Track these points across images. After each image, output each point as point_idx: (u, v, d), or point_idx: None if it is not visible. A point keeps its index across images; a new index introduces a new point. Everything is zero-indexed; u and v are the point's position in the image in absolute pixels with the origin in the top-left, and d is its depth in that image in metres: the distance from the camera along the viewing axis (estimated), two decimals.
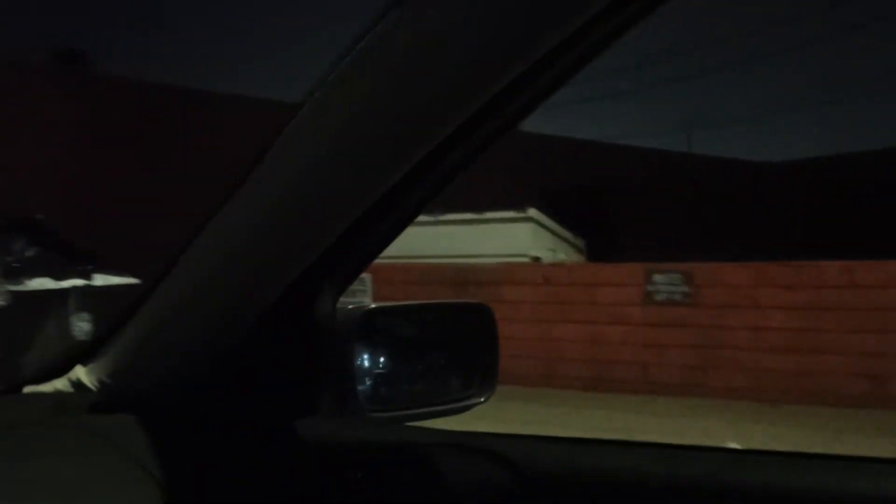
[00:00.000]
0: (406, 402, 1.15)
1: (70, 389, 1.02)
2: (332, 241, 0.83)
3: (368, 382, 1.12)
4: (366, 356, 1.12)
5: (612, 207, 15.93)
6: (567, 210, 10.63)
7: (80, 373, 1.01)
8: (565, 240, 10.03)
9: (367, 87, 0.72)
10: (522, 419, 7.20)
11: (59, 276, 5.16)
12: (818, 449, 3.91)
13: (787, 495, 0.82)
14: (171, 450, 0.91)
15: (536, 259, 9.36)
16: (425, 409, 1.15)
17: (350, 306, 1.06)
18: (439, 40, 0.67)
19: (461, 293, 9.28)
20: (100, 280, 5.34)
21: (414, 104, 0.71)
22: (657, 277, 8.34)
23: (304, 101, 0.76)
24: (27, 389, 1.06)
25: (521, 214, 9.34)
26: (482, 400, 1.18)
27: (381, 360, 1.15)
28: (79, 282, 5.25)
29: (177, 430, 0.94)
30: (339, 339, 1.02)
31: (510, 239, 9.38)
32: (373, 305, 1.10)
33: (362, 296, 9.87)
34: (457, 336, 1.24)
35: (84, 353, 1.01)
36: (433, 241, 9.86)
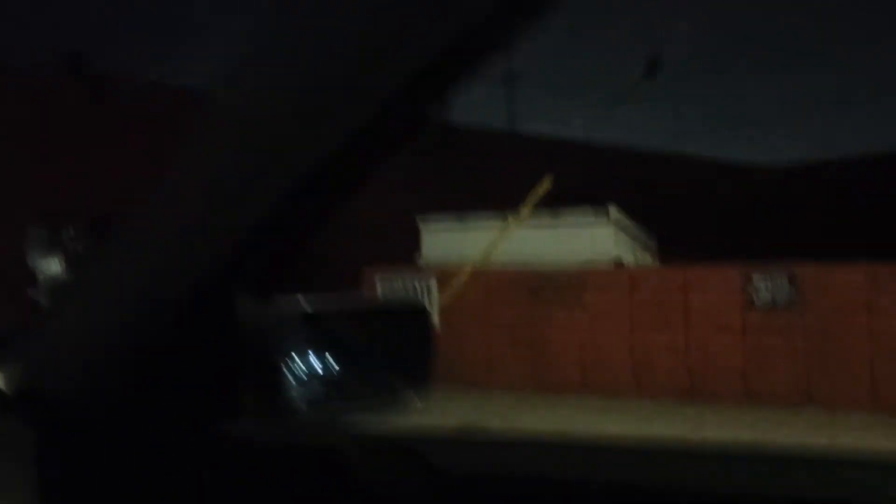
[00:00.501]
0: (339, 402, 1.15)
1: None
2: (249, 243, 0.81)
3: (301, 383, 1.11)
4: (299, 357, 1.10)
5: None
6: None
7: None
8: (640, 241, 9.39)
9: (270, 78, 0.74)
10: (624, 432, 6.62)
11: None
12: None
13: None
14: (74, 453, 0.89)
15: (619, 262, 8.75)
16: (356, 411, 1.15)
17: (283, 307, 1.04)
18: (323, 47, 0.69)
19: (539, 300, 8.73)
20: None
21: (315, 94, 0.71)
22: (759, 280, 7.67)
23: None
24: None
25: (602, 215, 8.74)
26: (418, 400, 1.17)
27: (315, 360, 1.13)
28: None
29: (85, 434, 0.91)
30: (270, 341, 1.02)
31: (590, 241, 8.78)
32: (305, 307, 1.08)
33: (427, 302, 9.40)
34: (392, 336, 1.22)
35: None
36: (509, 245, 9.33)
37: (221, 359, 0.95)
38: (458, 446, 1.05)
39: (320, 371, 1.14)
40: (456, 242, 9.70)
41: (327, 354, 1.15)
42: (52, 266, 4.78)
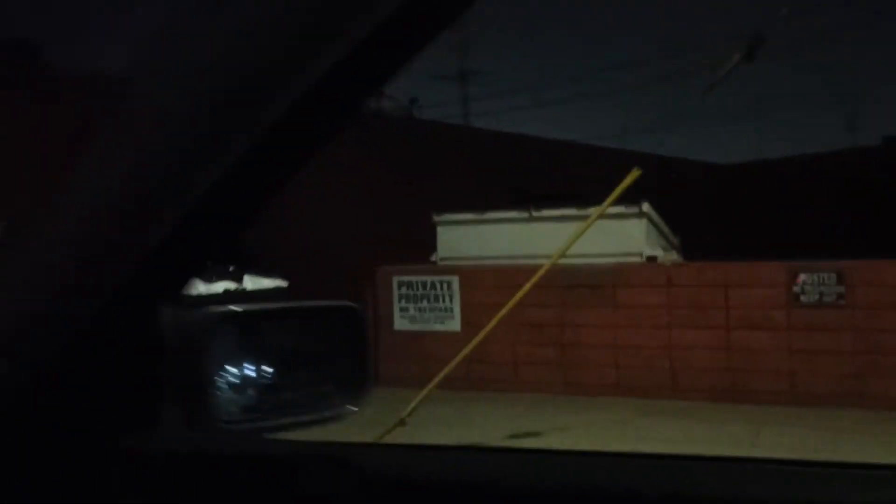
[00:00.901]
0: (268, 411, 1.08)
1: None
2: (163, 242, 0.77)
3: (226, 391, 1.05)
4: (224, 363, 1.05)
5: None
6: None
7: None
8: (667, 237, 9.09)
9: (181, 76, 0.73)
10: (684, 437, 6.28)
11: (209, 277, 4.22)
12: None
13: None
14: None
15: (652, 258, 8.42)
16: (289, 420, 1.08)
17: (207, 309, 0.99)
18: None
19: (571, 298, 8.36)
20: (249, 283, 4.40)
21: (228, 92, 0.71)
22: (805, 277, 7.42)
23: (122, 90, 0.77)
24: None
25: (634, 209, 8.39)
26: (353, 407, 1.11)
27: (242, 366, 1.08)
28: (230, 285, 4.31)
29: None
30: (190, 346, 0.95)
31: (622, 236, 8.43)
32: (232, 308, 1.02)
33: (448, 302, 8.97)
34: (325, 339, 1.18)
35: None
36: (531, 241, 8.94)
37: (135, 365, 0.90)
38: (392, 453, 1.02)
39: (250, 376, 1.08)
40: (474, 238, 9.28)
41: (257, 358, 1.09)
42: None
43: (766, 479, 0.85)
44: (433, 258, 9.49)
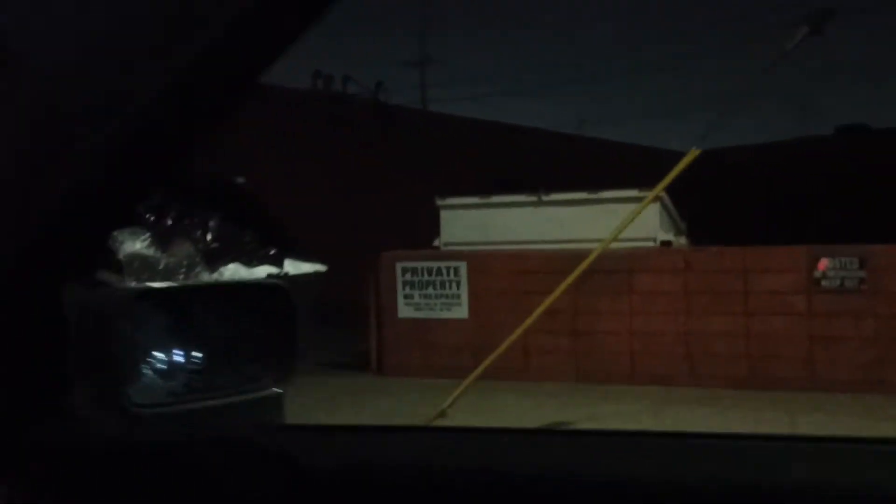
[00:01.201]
0: (187, 394, 1.04)
1: None
2: (57, 219, 0.76)
3: (147, 373, 1.02)
4: (138, 345, 1.01)
5: None
6: None
7: None
8: (676, 222, 8.95)
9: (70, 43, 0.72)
10: (723, 425, 6.11)
11: (250, 261, 3.88)
12: None
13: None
14: None
15: (666, 243, 8.26)
16: (210, 402, 1.04)
17: (120, 288, 1.02)
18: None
19: (584, 284, 8.14)
20: (290, 267, 4.07)
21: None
22: (828, 262, 7.31)
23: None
24: None
25: (647, 193, 8.20)
26: (277, 389, 1.10)
27: (158, 348, 1.04)
28: (271, 269, 3.98)
29: None
30: (101, 327, 0.90)
31: (636, 221, 8.23)
32: (149, 286, 1.08)
33: (455, 288, 8.70)
34: (248, 320, 1.13)
35: None
36: (541, 225, 8.71)
37: (38, 351, 0.84)
38: (324, 440, 0.99)
39: (174, 358, 1.04)
40: (479, 223, 9.02)
41: (180, 338, 1.05)
42: (130, 243, 3.86)
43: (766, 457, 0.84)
44: (436, 243, 9.21)
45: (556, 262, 8.24)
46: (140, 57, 0.69)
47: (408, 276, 8.79)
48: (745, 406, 6.75)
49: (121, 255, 3.85)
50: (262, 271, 3.93)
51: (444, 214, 9.19)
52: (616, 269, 8.02)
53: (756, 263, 7.58)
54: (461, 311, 8.61)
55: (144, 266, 3.74)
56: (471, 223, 9.02)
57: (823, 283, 7.34)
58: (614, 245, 8.24)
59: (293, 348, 1.10)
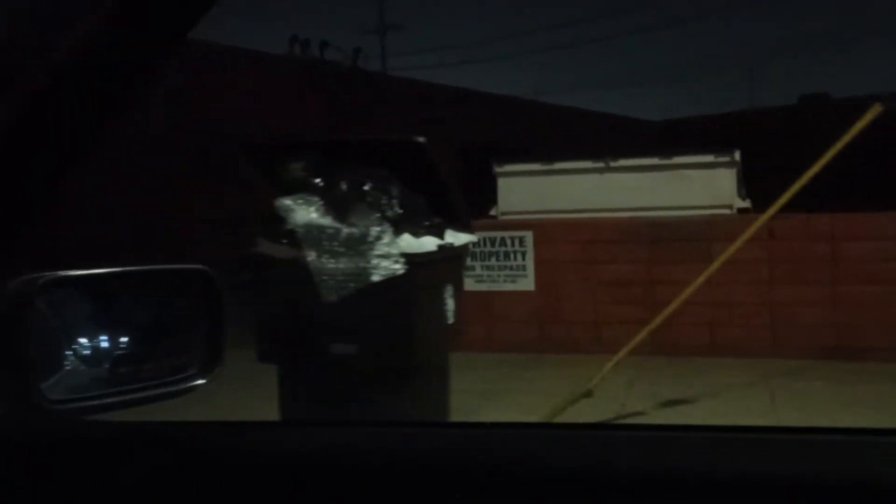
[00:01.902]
0: (107, 388, 1.00)
1: None
2: None
3: (63, 366, 0.99)
4: (56, 335, 0.98)
5: None
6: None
7: None
8: (742, 187, 8.67)
9: None
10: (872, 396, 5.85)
11: (416, 232, 3.45)
12: None
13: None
14: None
15: (743, 211, 7.98)
16: (131, 396, 0.99)
17: (28, 276, 0.91)
18: None
19: (658, 253, 7.84)
20: (451, 237, 3.65)
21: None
22: None
23: None
24: None
25: (725, 158, 7.91)
26: (204, 381, 1.05)
27: (75, 340, 1.00)
28: (437, 240, 3.56)
29: None
30: (5, 318, 0.87)
31: (709, 187, 7.95)
32: (61, 274, 0.94)
33: (521, 259, 8.33)
34: (173, 307, 1.10)
35: None
36: (608, 193, 8.36)
37: None
38: (231, 433, 0.95)
39: (82, 352, 0.98)
40: (541, 191, 8.63)
41: (99, 329, 0.99)
42: (302, 211, 3.39)
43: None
44: (493, 212, 8.80)
45: (630, 231, 7.92)
46: (50, 20, 0.67)
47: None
48: (859, 382, 6.50)
49: (290, 226, 3.39)
50: (430, 242, 3.51)
51: (501, 182, 8.78)
52: (695, 237, 7.72)
53: (845, 231, 7.33)
54: (528, 283, 8.24)
55: (322, 237, 3.29)
56: (531, 191, 8.63)
57: None
58: (690, 213, 7.97)
59: (221, 338, 1.04)
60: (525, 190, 8.67)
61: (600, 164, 8.46)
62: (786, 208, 7.94)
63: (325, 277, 3.18)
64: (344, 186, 3.36)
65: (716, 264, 5.95)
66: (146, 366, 1.04)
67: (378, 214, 3.26)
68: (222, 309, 1.07)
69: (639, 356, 7.79)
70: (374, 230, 3.20)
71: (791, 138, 17.56)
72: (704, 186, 7.88)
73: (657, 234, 7.78)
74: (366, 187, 3.33)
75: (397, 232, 3.28)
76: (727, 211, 7.97)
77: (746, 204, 8.07)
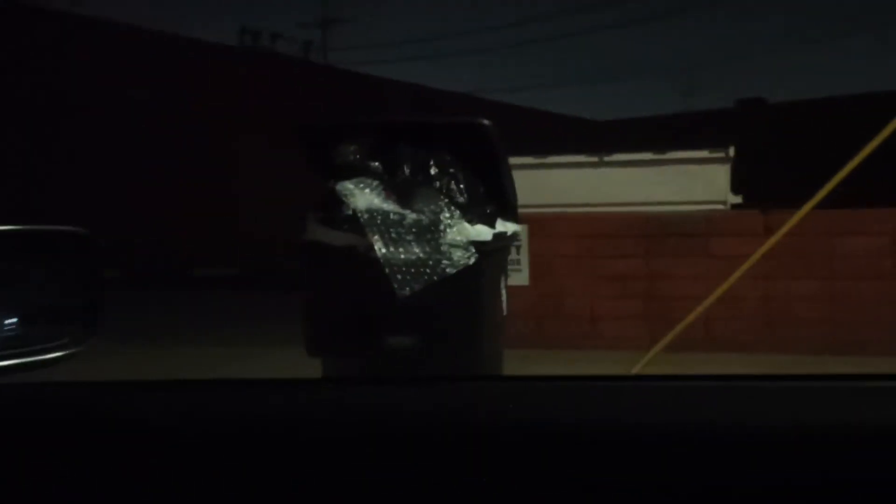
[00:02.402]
0: None
1: None
2: None
3: None
4: None
5: None
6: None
7: None
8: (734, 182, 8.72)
9: None
10: None
11: (471, 220, 3.28)
12: None
13: None
14: None
15: (738, 206, 8.01)
16: (11, 361, 0.97)
17: None
18: None
19: (656, 248, 7.82)
20: (501, 226, 3.51)
21: None
22: None
23: None
24: None
25: (720, 153, 7.93)
26: (77, 348, 1.02)
27: None
28: (491, 229, 3.40)
29: None
30: None
31: (704, 182, 7.96)
32: None
33: (515, 253, 8.21)
34: (45, 272, 1.05)
35: None
36: (603, 187, 8.31)
37: None
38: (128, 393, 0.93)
39: None
40: (534, 184, 8.52)
41: None
42: (361, 195, 3.21)
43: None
44: None
45: (627, 226, 7.88)
46: None
47: None
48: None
49: (350, 211, 3.19)
50: (485, 231, 3.36)
51: None
52: (691, 232, 7.73)
53: (840, 226, 7.41)
54: (522, 278, 8.13)
55: (386, 223, 3.11)
56: (524, 184, 8.49)
57: None
58: (684, 208, 7.97)
59: (98, 304, 1.01)
60: (518, 183, 8.55)
61: (594, 159, 8.41)
62: (784, 204, 8.00)
63: (389, 266, 3.00)
64: (407, 170, 3.18)
65: (753, 258, 5.92)
66: (16, 332, 0.99)
67: (447, 200, 3.09)
68: (100, 274, 1.02)
69: (637, 352, 7.79)
70: (445, 217, 3.04)
71: (729, 140, 18.12)
72: (699, 182, 7.90)
73: (654, 229, 7.76)
74: (432, 171, 3.16)
75: (467, 219, 3.12)
76: (721, 206, 8.00)
77: (739, 199, 8.11)
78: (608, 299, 7.95)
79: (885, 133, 5.14)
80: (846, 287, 7.40)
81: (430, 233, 3.07)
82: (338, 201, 3.18)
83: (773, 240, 5.93)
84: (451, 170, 3.20)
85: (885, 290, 7.30)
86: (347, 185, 3.15)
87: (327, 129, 3.53)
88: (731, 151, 8.01)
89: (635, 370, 5.32)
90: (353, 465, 0.83)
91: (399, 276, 2.99)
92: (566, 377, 1.04)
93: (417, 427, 0.85)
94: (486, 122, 3.32)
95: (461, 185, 3.21)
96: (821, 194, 5.67)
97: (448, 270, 3.02)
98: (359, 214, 3.11)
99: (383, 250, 3.02)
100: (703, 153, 7.96)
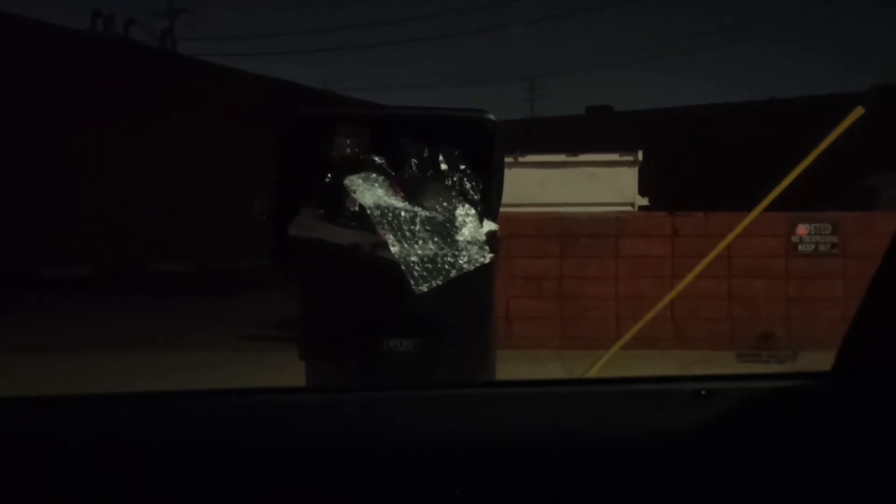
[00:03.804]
0: None
1: None
2: None
3: None
4: None
5: None
6: None
7: None
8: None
9: None
10: None
11: (463, 222, 3.18)
12: None
13: None
14: None
15: (644, 208, 8.31)
16: None
17: None
18: None
19: (570, 248, 7.98)
20: (486, 226, 3.43)
21: None
22: (804, 227, 7.75)
23: None
24: None
25: (629, 157, 8.19)
26: None
27: None
28: (483, 227, 3.31)
29: None
30: None
31: (614, 184, 8.20)
32: None
33: None
34: None
35: None
36: (516, 187, 8.37)
37: None
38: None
39: None
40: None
41: None
42: (367, 191, 3.05)
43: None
44: None
45: (539, 226, 7.99)
46: None
47: None
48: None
49: (356, 207, 3.01)
50: (492, 228, 3.29)
51: None
52: (602, 233, 7.95)
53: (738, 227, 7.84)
54: None
55: (399, 220, 2.96)
56: None
57: (800, 247, 7.79)
58: (594, 209, 8.18)
59: None
60: None
61: (508, 159, 8.46)
62: (686, 206, 8.36)
63: (405, 263, 2.85)
64: (414, 165, 3.04)
65: (706, 260, 6.10)
66: None
67: (460, 197, 2.98)
68: None
69: (553, 350, 7.92)
70: (460, 214, 2.92)
71: (579, 145, 19.09)
72: (609, 184, 8.14)
73: (568, 229, 7.92)
74: (442, 166, 3.03)
75: (481, 216, 3.02)
76: (629, 208, 8.27)
77: (646, 202, 8.42)
78: (522, 299, 8.03)
79: (830, 139, 5.47)
80: (743, 286, 7.86)
81: (445, 230, 2.95)
82: (340, 197, 2.98)
83: (729, 238, 6.19)
84: (462, 165, 3.09)
85: (776, 288, 7.80)
86: (355, 181, 2.96)
87: (322, 120, 3.31)
88: (640, 155, 8.31)
89: (591, 373, 5.39)
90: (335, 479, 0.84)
91: (416, 273, 2.85)
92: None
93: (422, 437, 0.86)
94: (491, 116, 3.23)
95: (473, 182, 3.10)
96: (770, 197, 5.97)
97: (466, 267, 2.91)
98: (368, 211, 2.93)
99: (397, 248, 2.86)
100: (613, 156, 8.21)
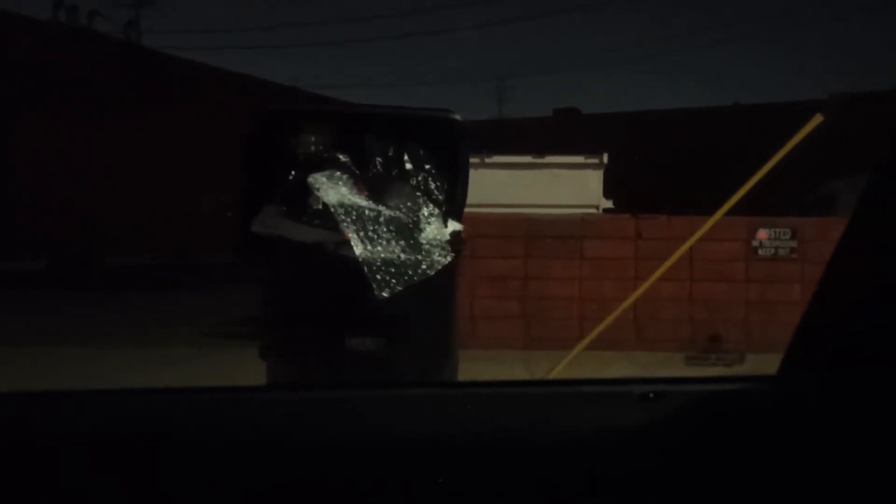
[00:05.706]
0: None
1: None
2: None
3: None
4: None
5: None
6: None
7: None
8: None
9: None
10: None
11: (443, 223, 3.17)
12: None
13: None
14: None
15: (608, 211, 8.36)
16: None
17: None
18: None
19: (535, 249, 8.00)
20: (451, 226, 3.42)
21: None
22: (765, 232, 7.87)
23: None
24: None
25: (594, 160, 8.24)
26: None
27: None
28: (447, 227, 3.30)
29: None
30: None
31: (579, 187, 8.24)
32: None
33: None
34: None
35: None
36: (481, 188, 8.37)
37: None
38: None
39: None
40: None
41: None
42: (331, 189, 3.02)
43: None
44: None
45: (506, 227, 8.01)
46: None
47: None
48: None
49: (319, 205, 2.98)
50: (456, 229, 3.28)
51: None
52: (567, 234, 7.99)
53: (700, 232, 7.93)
54: None
55: (364, 219, 2.93)
56: None
57: (760, 251, 7.90)
58: (559, 211, 8.21)
59: None
60: None
61: (475, 160, 8.46)
62: (650, 209, 8.43)
63: (368, 266, 2.82)
64: (379, 163, 3.01)
65: (668, 263, 6.14)
66: None
67: (424, 197, 2.96)
68: None
69: (517, 350, 7.93)
70: (424, 214, 2.90)
71: (546, 147, 19.44)
72: (574, 186, 8.18)
73: (534, 230, 7.95)
74: (407, 166, 3.01)
75: (443, 216, 3.00)
76: (594, 210, 8.33)
77: (610, 204, 8.48)
78: (487, 299, 8.04)
79: (790, 146, 5.55)
80: (704, 289, 7.95)
81: (409, 231, 2.93)
82: (304, 194, 2.95)
83: (690, 241, 6.24)
84: (427, 165, 3.07)
85: (735, 291, 7.91)
86: (319, 178, 2.93)
87: (286, 117, 3.27)
88: (605, 158, 8.36)
89: (553, 373, 5.40)
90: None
91: (379, 277, 2.83)
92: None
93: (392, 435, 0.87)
94: (457, 116, 3.22)
95: (438, 182, 3.09)
96: (731, 201, 6.03)
97: (428, 271, 2.90)
98: (332, 209, 2.90)
99: (361, 248, 2.84)
100: (579, 159, 8.26)
